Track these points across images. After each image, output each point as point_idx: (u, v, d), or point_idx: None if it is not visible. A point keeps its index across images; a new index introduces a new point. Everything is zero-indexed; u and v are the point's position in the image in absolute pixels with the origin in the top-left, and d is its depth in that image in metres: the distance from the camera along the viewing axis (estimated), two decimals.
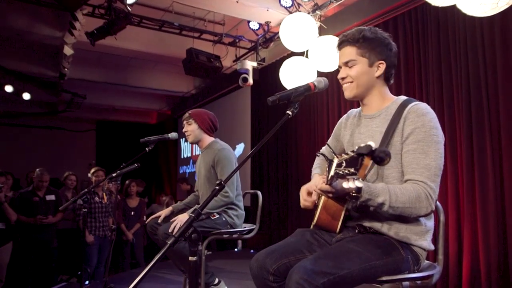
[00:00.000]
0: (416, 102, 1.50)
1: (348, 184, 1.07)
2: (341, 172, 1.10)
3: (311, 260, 1.32)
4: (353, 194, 1.27)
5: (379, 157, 1.04)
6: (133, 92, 8.86)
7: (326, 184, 1.26)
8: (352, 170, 1.08)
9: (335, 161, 1.16)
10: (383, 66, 1.55)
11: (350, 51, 1.54)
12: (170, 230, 2.41)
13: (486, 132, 3.09)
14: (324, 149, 1.88)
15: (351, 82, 1.56)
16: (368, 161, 1.07)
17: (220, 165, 2.68)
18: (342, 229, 1.55)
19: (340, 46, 1.59)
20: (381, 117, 1.56)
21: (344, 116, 1.79)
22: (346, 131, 1.72)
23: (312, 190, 1.58)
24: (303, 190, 1.60)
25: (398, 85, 3.89)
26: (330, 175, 1.16)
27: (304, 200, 1.57)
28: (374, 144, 1.04)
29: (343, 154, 1.14)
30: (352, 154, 1.10)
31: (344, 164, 1.11)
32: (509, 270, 2.89)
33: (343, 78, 1.58)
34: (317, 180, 1.39)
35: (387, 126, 1.49)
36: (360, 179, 1.09)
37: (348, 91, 1.58)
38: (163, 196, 7.35)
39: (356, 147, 1.08)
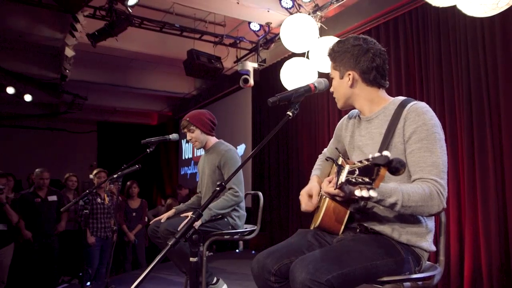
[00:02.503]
0: (415, 102, 1.49)
1: (361, 193, 1.06)
2: (354, 180, 1.09)
3: (313, 258, 1.32)
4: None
5: (395, 168, 1.02)
6: (134, 93, 8.88)
7: (335, 189, 1.27)
8: (367, 179, 1.06)
9: (347, 167, 1.14)
10: (351, 76, 1.55)
11: (330, 66, 1.64)
12: (179, 228, 2.37)
13: (487, 132, 3.09)
14: (329, 151, 1.86)
15: (335, 96, 1.66)
16: (384, 172, 1.05)
17: (227, 167, 2.67)
18: (344, 230, 1.55)
19: None
20: (379, 118, 1.55)
21: (345, 116, 1.79)
22: (347, 133, 1.71)
23: (313, 193, 1.59)
24: (305, 194, 1.62)
25: (399, 85, 3.90)
26: (340, 181, 1.14)
27: (306, 204, 1.60)
28: (390, 154, 1.03)
29: (356, 162, 1.12)
30: (366, 163, 1.07)
31: (357, 172, 1.09)
32: (511, 270, 2.89)
33: (332, 91, 1.66)
34: (323, 183, 1.38)
35: (387, 126, 1.49)
36: (376, 189, 1.07)
37: (337, 103, 1.67)
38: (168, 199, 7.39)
39: (371, 156, 1.06)
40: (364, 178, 1.07)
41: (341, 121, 1.81)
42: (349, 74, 1.56)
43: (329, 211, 1.50)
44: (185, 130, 2.78)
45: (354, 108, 1.66)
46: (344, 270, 1.29)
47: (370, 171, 1.06)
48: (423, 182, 1.38)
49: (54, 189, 4.75)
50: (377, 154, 1.05)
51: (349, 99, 1.61)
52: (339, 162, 1.20)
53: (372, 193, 1.06)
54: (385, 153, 1.03)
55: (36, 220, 4.44)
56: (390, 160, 1.02)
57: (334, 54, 1.60)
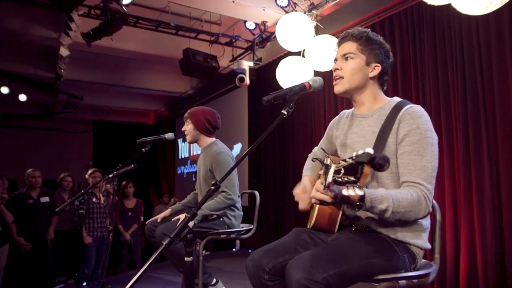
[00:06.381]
0: (411, 105, 1.50)
1: (348, 192, 1.06)
2: (339, 180, 1.08)
3: (309, 257, 1.32)
4: (357, 203, 1.25)
5: (379, 164, 1.02)
6: (130, 93, 8.84)
7: (323, 190, 1.20)
8: (352, 178, 1.06)
9: (333, 167, 1.13)
10: (378, 69, 1.56)
11: (351, 46, 1.57)
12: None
13: (482, 130, 3.10)
14: (317, 152, 1.87)
15: (342, 78, 1.58)
16: (368, 169, 1.05)
17: (219, 170, 2.65)
18: (339, 229, 1.56)
19: (342, 40, 1.62)
20: (374, 117, 1.56)
21: (337, 117, 1.80)
22: (338, 131, 1.72)
23: (308, 190, 1.60)
24: (301, 193, 1.62)
25: (395, 84, 3.90)
26: (327, 181, 1.12)
27: (303, 202, 1.60)
28: (372, 151, 1.03)
29: (340, 161, 1.12)
30: (350, 161, 1.07)
31: (342, 171, 1.08)
32: (506, 268, 2.90)
33: (336, 70, 1.59)
34: (317, 186, 1.30)
35: (382, 126, 1.49)
36: (361, 187, 1.08)
37: (339, 85, 1.59)
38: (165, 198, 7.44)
39: (354, 154, 1.06)
40: (349, 177, 1.07)
41: (332, 121, 1.82)
42: (377, 66, 1.56)
43: (323, 211, 1.51)
44: (184, 120, 2.87)
45: (353, 99, 1.63)
46: (340, 269, 1.29)
47: (355, 170, 1.06)
48: (410, 187, 1.39)
49: (47, 190, 4.72)
50: (360, 152, 1.05)
51: (360, 88, 1.58)
52: (327, 162, 1.19)
53: (358, 191, 1.06)
54: (368, 150, 1.03)
55: (29, 221, 4.42)
56: (373, 157, 1.02)
57: (367, 39, 1.56)
